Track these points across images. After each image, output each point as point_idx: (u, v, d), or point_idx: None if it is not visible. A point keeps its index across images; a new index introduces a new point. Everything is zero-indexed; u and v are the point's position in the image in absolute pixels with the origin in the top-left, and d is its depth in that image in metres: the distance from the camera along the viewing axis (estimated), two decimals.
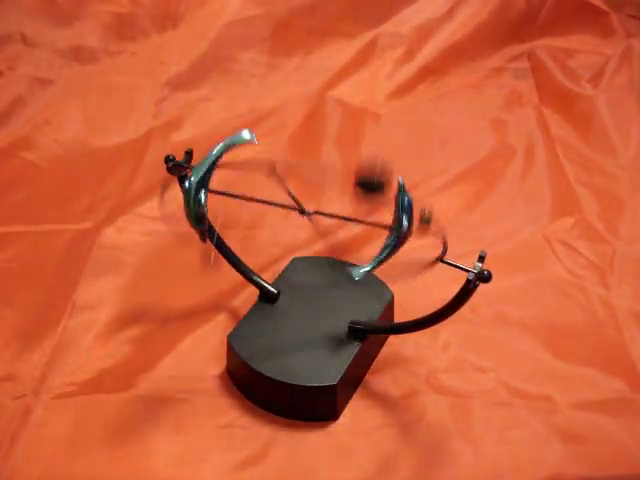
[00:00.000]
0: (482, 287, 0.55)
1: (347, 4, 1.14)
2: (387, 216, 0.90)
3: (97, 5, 1.11)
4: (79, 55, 1.10)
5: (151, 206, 0.90)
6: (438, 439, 0.65)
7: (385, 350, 0.73)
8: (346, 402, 0.68)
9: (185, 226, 0.84)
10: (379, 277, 0.74)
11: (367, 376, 0.70)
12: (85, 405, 0.68)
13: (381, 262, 0.59)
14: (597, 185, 0.93)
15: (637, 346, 0.72)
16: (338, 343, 0.67)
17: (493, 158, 0.98)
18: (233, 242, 0.74)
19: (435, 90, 1.11)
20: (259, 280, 0.72)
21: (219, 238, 0.72)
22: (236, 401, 0.68)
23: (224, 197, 0.91)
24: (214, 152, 0.59)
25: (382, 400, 0.68)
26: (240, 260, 0.73)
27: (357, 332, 0.68)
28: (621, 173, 0.95)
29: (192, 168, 0.60)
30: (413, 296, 0.75)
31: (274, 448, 0.64)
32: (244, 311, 0.71)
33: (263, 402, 0.67)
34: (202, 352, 0.72)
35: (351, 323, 0.68)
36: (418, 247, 0.84)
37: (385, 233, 0.60)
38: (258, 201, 0.65)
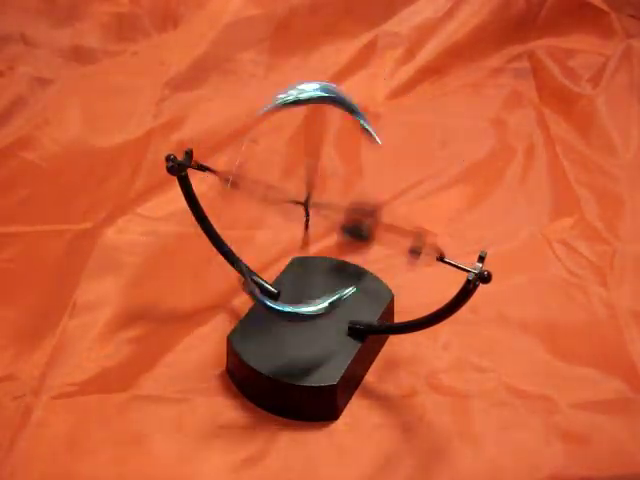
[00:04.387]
0: (482, 287, 0.55)
1: (347, 4, 1.14)
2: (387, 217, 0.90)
3: (97, 5, 1.12)
4: (79, 55, 1.10)
5: (151, 206, 0.90)
6: (438, 439, 0.65)
7: (385, 350, 0.73)
8: (346, 402, 0.68)
9: (185, 226, 0.85)
10: (379, 277, 0.74)
11: (367, 376, 0.70)
12: (85, 405, 0.68)
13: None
14: (597, 185, 0.93)
15: (637, 346, 0.72)
16: (338, 343, 0.67)
17: (493, 158, 0.98)
18: (233, 242, 0.74)
19: (435, 90, 1.11)
20: (259, 280, 0.72)
21: (219, 238, 0.72)
22: (236, 401, 0.68)
23: (222, 197, 0.92)
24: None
25: (382, 400, 0.68)
26: (240, 260, 0.73)
27: (357, 332, 0.68)
28: (621, 173, 0.95)
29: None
30: (413, 296, 0.75)
31: (274, 448, 0.64)
32: (244, 311, 0.71)
33: (263, 402, 0.67)
34: (202, 352, 0.72)
35: (351, 323, 0.68)
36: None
37: None
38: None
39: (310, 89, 0.59)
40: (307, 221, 0.66)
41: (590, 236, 0.85)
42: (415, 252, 0.59)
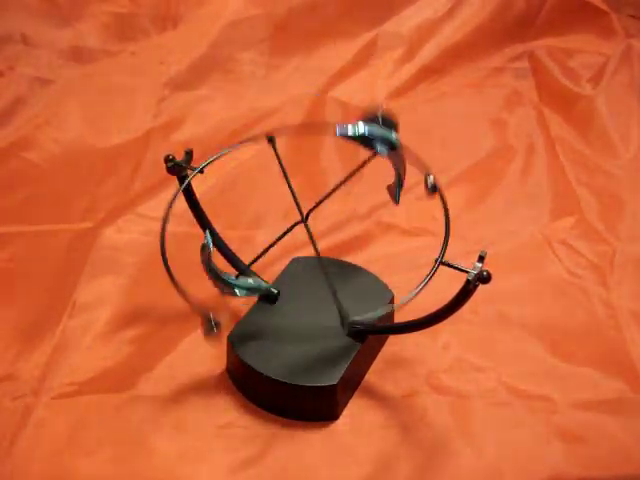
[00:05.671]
0: (482, 287, 0.55)
1: (347, 4, 1.14)
2: (386, 217, 0.90)
3: (97, 5, 1.12)
4: (79, 55, 1.10)
5: (151, 206, 0.90)
6: (438, 439, 0.65)
7: (385, 350, 0.73)
8: (346, 402, 0.68)
9: (185, 226, 0.85)
10: (379, 277, 0.74)
11: (367, 376, 0.70)
12: (85, 405, 0.68)
13: None
14: (597, 185, 0.93)
15: (637, 346, 0.72)
16: (338, 343, 0.67)
17: (493, 158, 0.98)
18: (233, 242, 0.74)
19: (435, 90, 1.11)
20: (259, 280, 0.72)
21: (219, 238, 0.72)
22: (236, 401, 0.68)
23: (223, 198, 0.92)
24: None
25: (382, 400, 0.68)
26: (240, 260, 0.73)
27: (357, 332, 0.67)
28: (621, 173, 0.95)
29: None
30: None
31: (274, 448, 0.64)
32: (244, 311, 0.71)
33: (263, 402, 0.67)
34: (202, 352, 0.72)
35: (351, 323, 0.68)
36: (419, 246, 0.85)
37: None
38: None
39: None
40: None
41: (590, 236, 0.85)
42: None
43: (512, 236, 0.86)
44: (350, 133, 0.59)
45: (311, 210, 0.66)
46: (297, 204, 0.64)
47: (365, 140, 0.60)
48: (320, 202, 0.67)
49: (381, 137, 0.60)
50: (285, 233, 0.68)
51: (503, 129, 1.04)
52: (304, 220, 0.64)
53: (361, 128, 0.59)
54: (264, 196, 0.92)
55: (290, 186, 0.64)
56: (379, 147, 0.60)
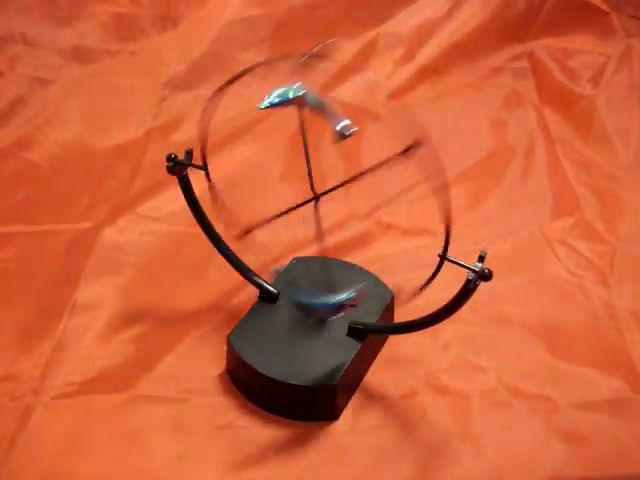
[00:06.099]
0: (482, 287, 0.55)
1: (347, 4, 1.14)
2: (386, 217, 0.90)
3: (97, 5, 1.12)
4: (79, 55, 1.10)
5: (151, 206, 0.90)
6: (438, 439, 0.65)
7: (385, 350, 0.73)
8: (346, 402, 0.68)
9: (184, 226, 0.85)
10: (379, 277, 0.74)
11: (367, 376, 0.70)
12: (85, 405, 0.68)
13: None
14: (597, 185, 0.93)
15: (637, 346, 0.72)
16: (338, 343, 0.67)
17: (493, 158, 0.98)
18: (233, 242, 0.74)
19: (435, 90, 1.11)
20: (259, 280, 0.72)
21: (219, 238, 0.72)
22: (236, 401, 0.68)
23: (223, 198, 0.92)
24: None
25: (382, 400, 0.68)
26: (240, 260, 0.73)
27: (357, 332, 0.68)
28: (621, 173, 0.95)
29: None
30: None
31: (274, 448, 0.64)
32: (244, 311, 0.71)
33: (263, 402, 0.67)
34: (202, 352, 0.72)
35: (351, 323, 0.68)
36: (419, 246, 0.85)
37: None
38: None
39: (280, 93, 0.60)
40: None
41: (590, 236, 0.85)
42: None
43: (512, 236, 0.86)
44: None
45: (324, 193, 0.66)
46: (311, 182, 0.63)
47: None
48: (335, 188, 0.65)
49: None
50: (300, 205, 0.66)
51: (503, 129, 1.03)
52: (317, 197, 0.63)
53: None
54: (264, 196, 0.92)
55: (308, 160, 0.63)
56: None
